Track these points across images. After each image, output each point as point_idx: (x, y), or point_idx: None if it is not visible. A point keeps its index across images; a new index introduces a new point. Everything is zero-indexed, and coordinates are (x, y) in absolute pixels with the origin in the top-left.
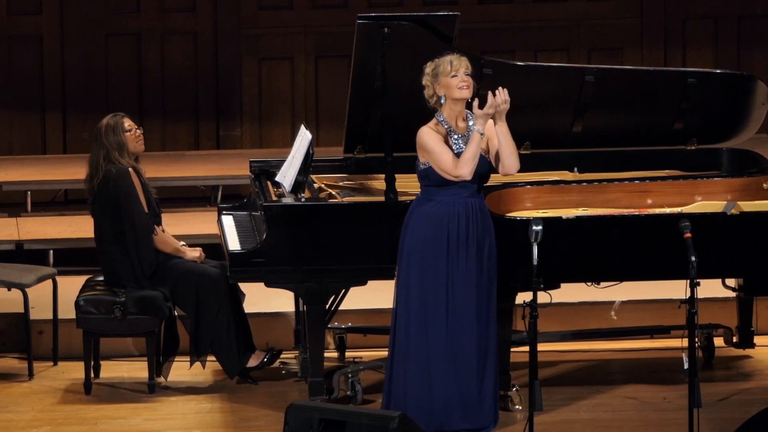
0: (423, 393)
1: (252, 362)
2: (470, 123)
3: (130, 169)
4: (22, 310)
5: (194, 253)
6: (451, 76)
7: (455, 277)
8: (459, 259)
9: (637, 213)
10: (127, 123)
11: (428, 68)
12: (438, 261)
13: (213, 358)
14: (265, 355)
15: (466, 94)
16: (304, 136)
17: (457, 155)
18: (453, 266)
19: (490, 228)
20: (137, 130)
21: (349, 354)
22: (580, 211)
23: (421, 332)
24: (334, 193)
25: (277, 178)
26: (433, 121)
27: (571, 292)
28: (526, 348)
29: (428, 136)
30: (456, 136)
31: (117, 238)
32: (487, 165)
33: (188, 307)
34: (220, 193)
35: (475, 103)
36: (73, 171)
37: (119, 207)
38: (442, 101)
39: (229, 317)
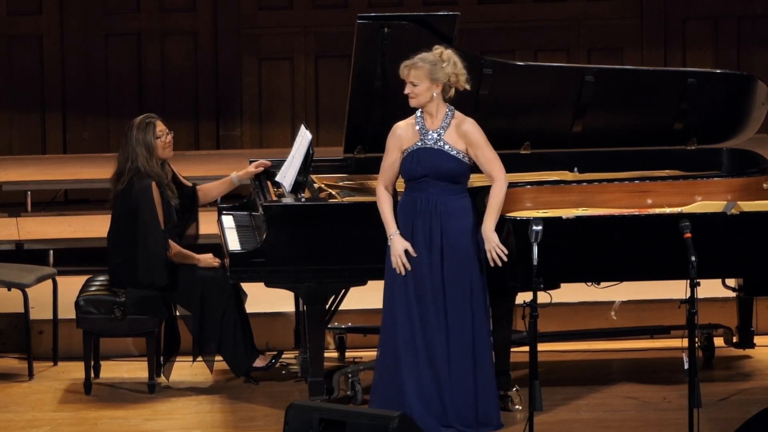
0: (394, 389)
1: (259, 363)
2: (444, 121)
3: (153, 183)
4: (22, 310)
5: (210, 261)
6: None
7: (419, 273)
8: (423, 253)
9: (637, 213)
10: (159, 128)
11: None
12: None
13: (218, 358)
14: (272, 358)
15: (411, 103)
16: (304, 136)
17: (420, 150)
18: (417, 260)
19: (457, 227)
20: (168, 136)
21: (349, 354)
22: (580, 211)
23: (391, 328)
24: (334, 193)
25: (277, 178)
26: (412, 116)
27: (571, 292)
28: (526, 348)
29: (390, 136)
30: (424, 131)
31: (129, 244)
32: (451, 163)
33: (193, 308)
34: None
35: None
36: (73, 171)
37: (137, 221)
38: None
39: (235, 317)
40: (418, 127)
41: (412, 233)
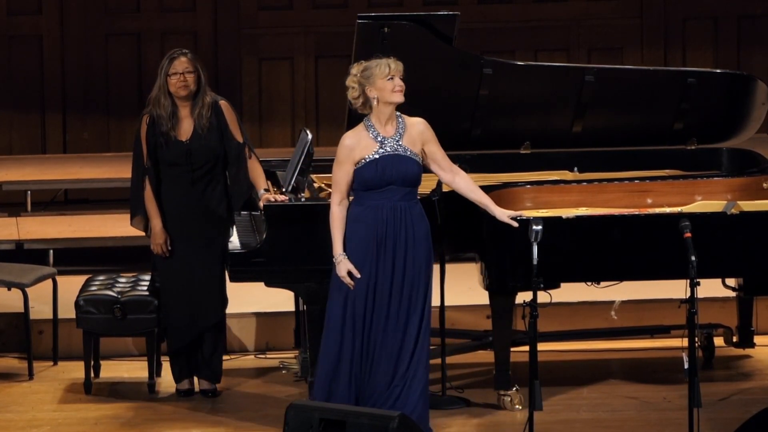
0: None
1: (203, 385)
2: (399, 126)
3: (144, 116)
4: (22, 310)
5: (156, 243)
6: (387, 79)
7: (378, 280)
8: (385, 261)
9: (637, 213)
10: (174, 68)
11: (356, 69)
12: (364, 263)
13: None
14: (183, 393)
15: (400, 98)
16: (303, 139)
17: (383, 158)
18: (378, 269)
19: (420, 232)
20: (183, 76)
21: None
22: (580, 211)
23: (338, 331)
24: None
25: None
26: (360, 125)
27: (571, 292)
28: (526, 348)
29: (340, 147)
30: (381, 139)
31: None
32: (416, 168)
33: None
34: None
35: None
36: (73, 171)
37: None
38: (375, 103)
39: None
40: (372, 135)
41: (376, 242)
